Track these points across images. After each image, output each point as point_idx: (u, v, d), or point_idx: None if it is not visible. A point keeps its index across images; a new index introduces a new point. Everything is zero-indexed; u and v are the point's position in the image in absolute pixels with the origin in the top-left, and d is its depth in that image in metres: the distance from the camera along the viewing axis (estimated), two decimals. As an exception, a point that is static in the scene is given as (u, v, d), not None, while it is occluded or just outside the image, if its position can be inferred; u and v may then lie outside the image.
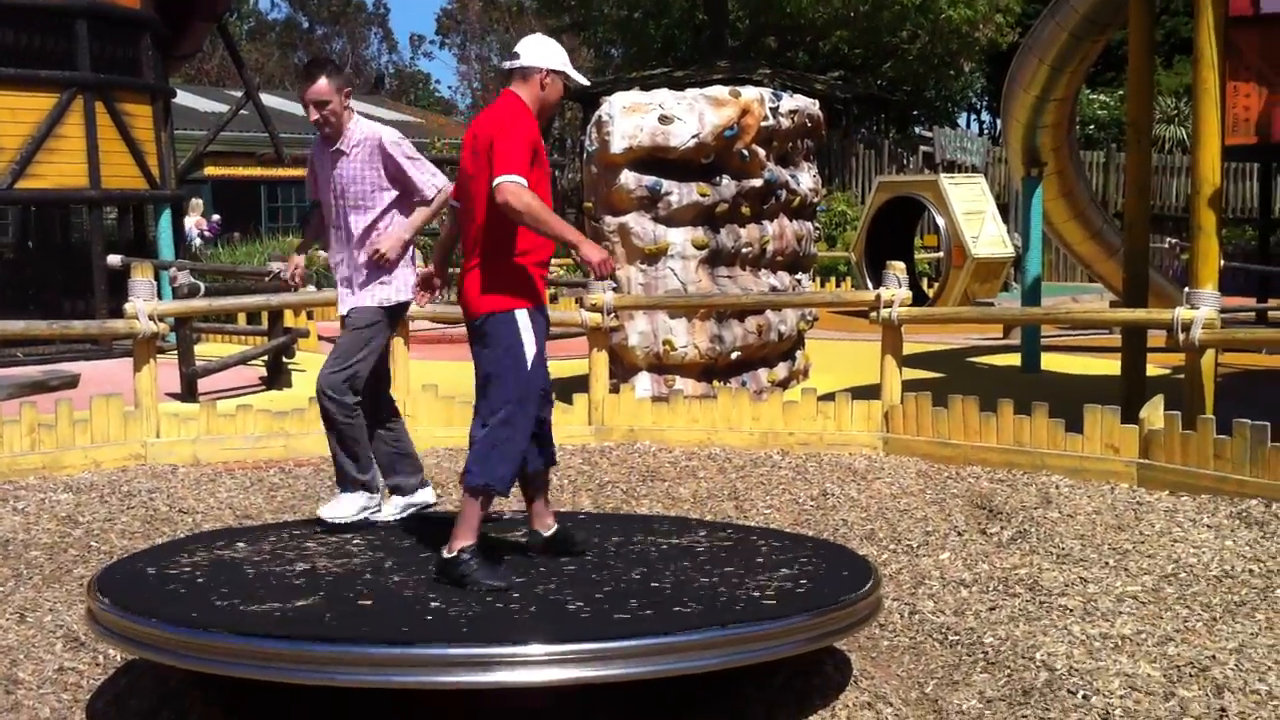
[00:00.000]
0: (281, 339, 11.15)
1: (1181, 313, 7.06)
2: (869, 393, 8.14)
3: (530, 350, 4.35)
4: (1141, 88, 9.09)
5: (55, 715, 4.05)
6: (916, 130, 32.00)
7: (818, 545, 4.92)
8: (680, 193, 9.16)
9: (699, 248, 9.26)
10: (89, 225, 14.24)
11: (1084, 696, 3.98)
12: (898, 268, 8.10)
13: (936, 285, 18.45)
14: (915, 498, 6.65)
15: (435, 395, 8.23)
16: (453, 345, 13.71)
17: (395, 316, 5.23)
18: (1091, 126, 30.08)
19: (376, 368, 5.17)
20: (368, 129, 5.14)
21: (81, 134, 13.28)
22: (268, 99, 21.23)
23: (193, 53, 19.35)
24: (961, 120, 41.15)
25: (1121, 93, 28.67)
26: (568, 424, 8.10)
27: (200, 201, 22.37)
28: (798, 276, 10.67)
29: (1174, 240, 20.69)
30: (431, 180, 5.17)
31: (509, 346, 4.34)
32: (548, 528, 4.61)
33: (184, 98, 27.73)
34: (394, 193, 5.15)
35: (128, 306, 7.73)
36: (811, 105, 10.72)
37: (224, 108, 25.85)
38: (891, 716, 3.94)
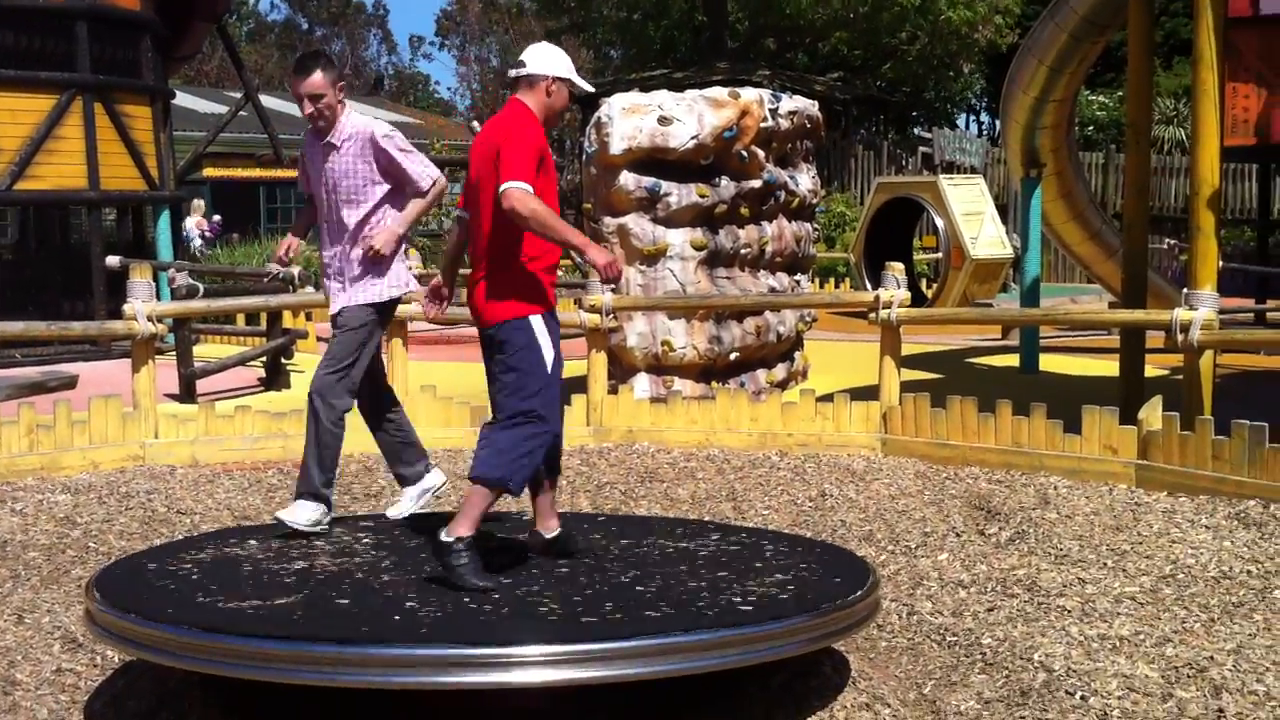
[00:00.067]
0: (280, 340, 11.15)
1: (1180, 314, 7.07)
2: (867, 394, 8.14)
3: (549, 354, 4.39)
4: (1141, 89, 9.10)
5: (53, 716, 4.04)
6: (915, 131, 32.00)
7: (816, 546, 4.92)
8: (679, 194, 9.16)
9: (698, 249, 9.26)
10: (88, 226, 14.25)
11: (1082, 697, 3.98)
12: (896, 269, 8.11)
13: (935, 286, 18.45)
14: (913, 498, 6.66)
15: (434, 396, 8.23)
16: (451, 346, 13.71)
17: (387, 313, 5.21)
18: (1090, 127, 30.09)
19: (371, 365, 5.16)
20: (359, 123, 5.10)
21: (81, 135, 13.29)
22: (267, 100, 21.23)
23: (192, 54, 19.36)
24: (960, 121, 41.18)
25: (1120, 94, 28.69)
26: (566, 425, 8.07)
27: (201, 202, 22.39)
28: (796, 277, 10.67)
29: (1173, 241, 20.71)
30: (425, 171, 5.13)
31: (529, 350, 4.37)
32: (551, 530, 4.62)
33: (183, 99, 27.73)
34: (386, 186, 5.11)
35: (126, 307, 7.73)
36: (810, 106, 10.72)
37: (223, 109, 25.88)
38: (890, 717, 3.94)
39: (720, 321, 9.42)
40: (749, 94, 9.67)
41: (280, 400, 9.93)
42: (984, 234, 17.73)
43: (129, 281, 7.94)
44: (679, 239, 9.20)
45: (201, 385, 10.47)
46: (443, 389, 8.40)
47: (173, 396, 9.97)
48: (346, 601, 3.97)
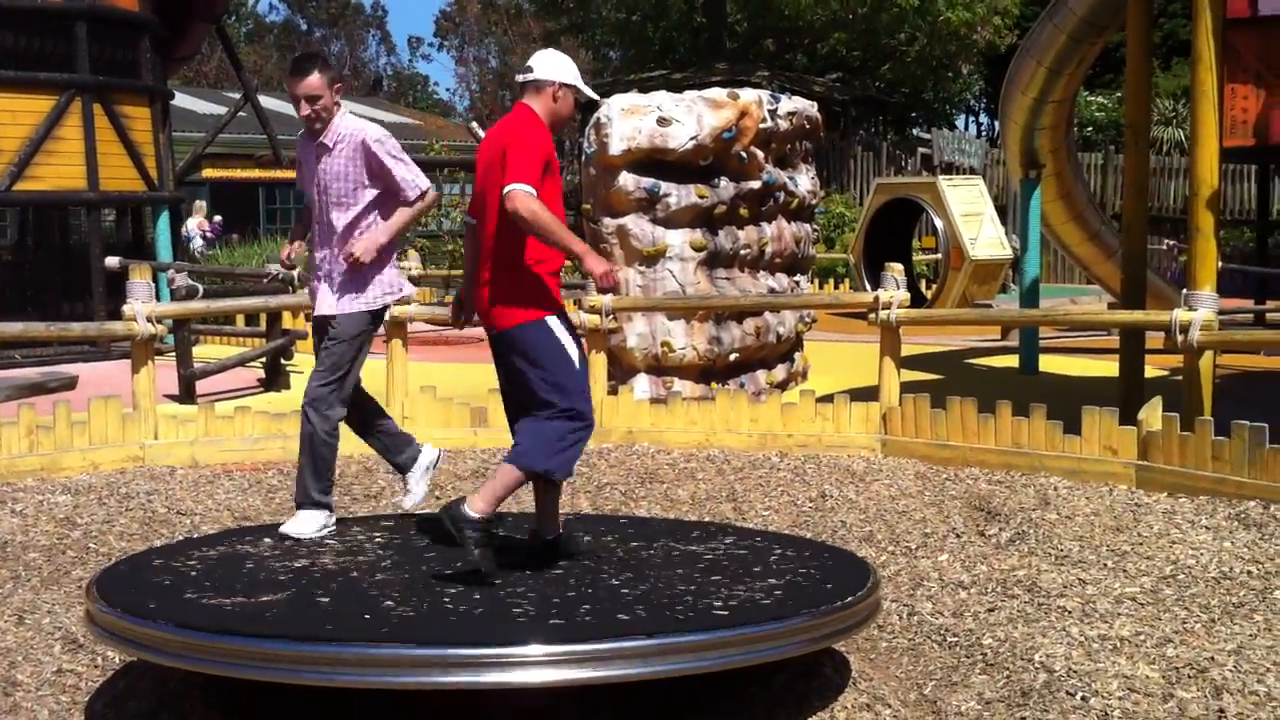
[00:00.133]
0: (280, 341, 11.15)
1: (1180, 314, 7.07)
2: (867, 394, 8.14)
3: (573, 351, 4.43)
4: (1139, 90, 9.10)
5: (54, 717, 4.04)
6: (915, 132, 32.02)
7: (816, 547, 4.93)
8: (679, 194, 9.16)
9: (697, 249, 9.26)
10: (87, 227, 14.24)
11: (1083, 698, 3.98)
12: (896, 269, 8.10)
13: (935, 287, 18.46)
14: (914, 499, 6.66)
15: (434, 397, 8.23)
16: (450, 347, 13.72)
17: (379, 320, 5.19)
18: (1089, 128, 30.09)
19: None
20: (353, 125, 5.04)
21: (80, 136, 13.29)
22: (266, 101, 21.21)
23: (191, 55, 19.36)
24: (960, 122, 41.22)
25: (1119, 95, 28.69)
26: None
27: (203, 203, 22.42)
28: (796, 278, 10.68)
29: (1172, 242, 20.70)
30: (414, 181, 5.04)
31: (553, 349, 4.40)
32: (552, 531, 4.62)
33: (182, 100, 27.72)
34: (376, 191, 5.03)
35: (126, 308, 7.73)
36: (810, 107, 10.73)
37: (222, 110, 25.87)
38: (890, 718, 3.94)
39: (720, 322, 9.42)
40: (748, 95, 9.67)
41: (280, 401, 9.93)
42: (983, 235, 17.73)
43: (128, 282, 7.94)
44: (678, 240, 9.20)
45: (201, 386, 10.47)
46: (442, 390, 8.40)
47: (172, 397, 9.97)
48: (348, 602, 3.97)
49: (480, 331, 4.72)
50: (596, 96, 4.87)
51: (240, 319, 13.95)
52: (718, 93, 9.58)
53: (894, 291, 7.90)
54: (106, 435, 7.58)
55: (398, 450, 5.31)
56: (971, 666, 4.31)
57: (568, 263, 5.78)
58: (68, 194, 13.63)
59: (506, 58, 51.54)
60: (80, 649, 4.55)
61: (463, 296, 4.80)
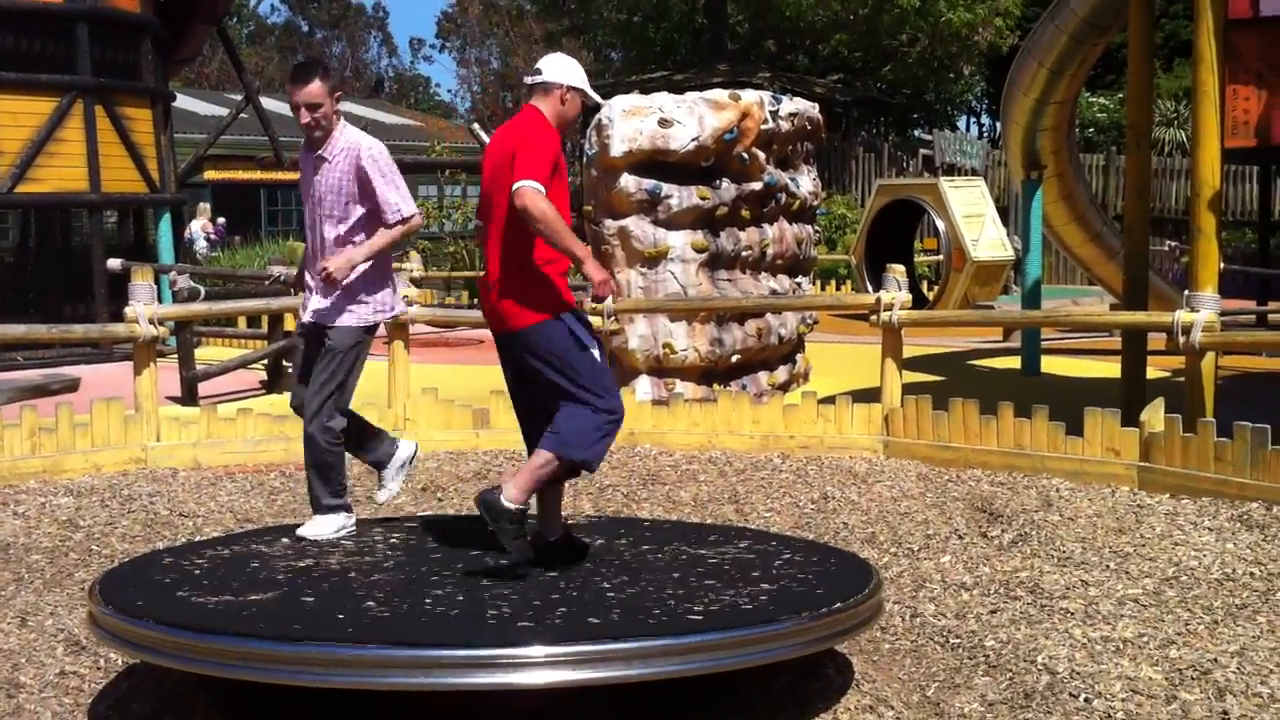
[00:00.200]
0: (282, 342, 11.14)
1: (1181, 315, 7.06)
2: (869, 396, 8.14)
3: (593, 347, 4.45)
4: (1141, 91, 9.09)
5: (57, 719, 4.05)
6: (916, 133, 32.04)
7: (818, 548, 4.92)
8: (680, 196, 9.16)
9: (699, 251, 9.26)
10: (89, 229, 14.25)
11: (1086, 699, 3.98)
12: (898, 271, 8.10)
13: (936, 288, 18.45)
14: (916, 501, 6.66)
15: (435, 399, 8.23)
16: (450, 349, 13.71)
17: (374, 331, 5.16)
18: (1091, 129, 30.10)
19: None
20: (352, 138, 4.97)
21: (82, 138, 13.30)
22: (267, 102, 21.21)
23: (192, 56, 19.37)
24: (961, 123, 41.20)
25: (1121, 96, 28.69)
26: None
27: (207, 205, 22.45)
28: (798, 279, 10.67)
29: (1174, 243, 20.68)
30: (397, 205, 4.92)
31: (573, 347, 4.41)
32: (555, 533, 4.62)
33: (184, 101, 27.74)
34: (366, 207, 4.96)
35: (128, 310, 7.73)
36: (811, 108, 10.72)
37: (224, 111, 25.86)
38: (893, 719, 3.94)
39: (722, 324, 9.42)
40: (749, 96, 9.67)
41: (282, 403, 9.90)
42: (985, 236, 17.72)
43: (130, 284, 7.94)
44: (680, 241, 9.20)
45: (203, 388, 10.48)
46: (444, 391, 8.40)
47: (174, 399, 9.98)
48: (349, 603, 3.96)
49: (481, 333, 4.72)
50: (602, 101, 4.88)
51: (242, 321, 13.95)
52: (719, 94, 9.58)
53: (896, 293, 7.90)
54: (109, 437, 7.59)
55: (372, 449, 5.27)
56: (974, 668, 4.31)
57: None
58: (69, 196, 13.64)
59: (508, 59, 51.56)
60: (83, 651, 4.56)
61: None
